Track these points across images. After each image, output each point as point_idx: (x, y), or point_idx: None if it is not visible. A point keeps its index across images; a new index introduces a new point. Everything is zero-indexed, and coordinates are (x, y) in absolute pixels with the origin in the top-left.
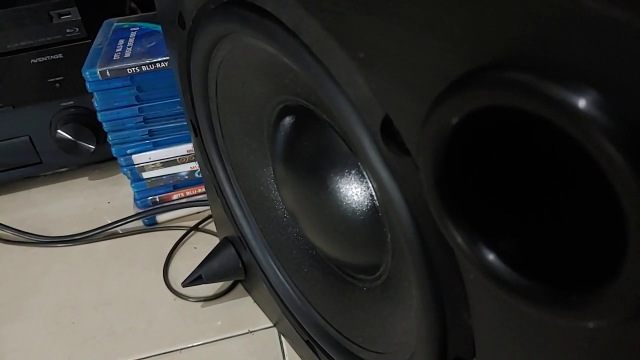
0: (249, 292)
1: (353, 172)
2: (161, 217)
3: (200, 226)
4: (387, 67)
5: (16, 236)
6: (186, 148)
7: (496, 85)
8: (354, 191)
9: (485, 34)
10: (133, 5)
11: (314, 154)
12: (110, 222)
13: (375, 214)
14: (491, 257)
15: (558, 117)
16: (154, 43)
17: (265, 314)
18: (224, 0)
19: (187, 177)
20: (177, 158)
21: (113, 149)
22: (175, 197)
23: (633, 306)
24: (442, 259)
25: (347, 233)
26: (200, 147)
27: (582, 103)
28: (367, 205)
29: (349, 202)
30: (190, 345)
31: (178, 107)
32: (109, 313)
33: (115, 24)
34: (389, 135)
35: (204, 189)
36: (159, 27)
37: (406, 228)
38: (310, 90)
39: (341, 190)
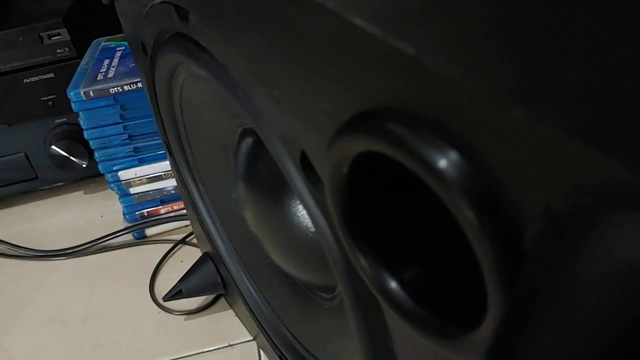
0: (231, 305)
1: None
2: (150, 231)
3: (187, 239)
4: (295, 107)
5: (12, 250)
6: None
7: (372, 133)
8: (303, 214)
9: (364, 84)
10: None
11: (270, 176)
12: (101, 236)
13: None
14: (393, 284)
15: (421, 172)
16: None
17: (246, 328)
18: (173, 32)
19: (173, 191)
20: (163, 173)
21: (100, 166)
22: (163, 211)
23: (487, 355)
24: (364, 286)
25: (301, 254)
26: (174, 166)
27: (442, 163)
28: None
29: (300, 224)
30: (172, 358)
31: None
32: (95, 326)
33: (102, 43)
34: (307, 168)
35: None
36: None
37: (333, 254)
38: None
39: (293, 213)
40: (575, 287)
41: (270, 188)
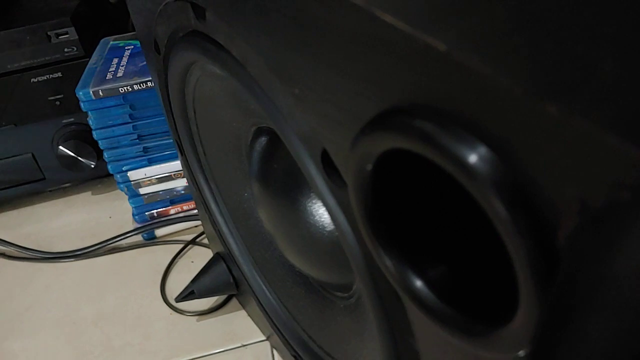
0: (243, 306)
1: None
2: (160, 232)
3: (197, 240)
4: (316, 104)
5: (20, 252)
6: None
7: (400, 131)
8: (321, 212)
9: (395, 79)
10: None
11: (285, 174)
12: (110, 237)
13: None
14: (418, 284)
15: (451, 168)
16: (146, 61)
17: (259, 328)
18: (188, 30)
19: (183, 191)
20: (172, 173)
21: (109, 166)
22: (172, 211)
23: (523, 346)
24: (386, 284)
25: (317, 253)
26: (186, 166)
27: (473, 158)
28: (331, 224)
29: (317, 223)
30: (185, 359)
31: None
32: (107, 328)
33: (111, 42)
34: (328, 167)
35: None
36: None
37: (354, 254)
38: None
39: (309, 211)
40: (613, 284)
41: (286, 187)
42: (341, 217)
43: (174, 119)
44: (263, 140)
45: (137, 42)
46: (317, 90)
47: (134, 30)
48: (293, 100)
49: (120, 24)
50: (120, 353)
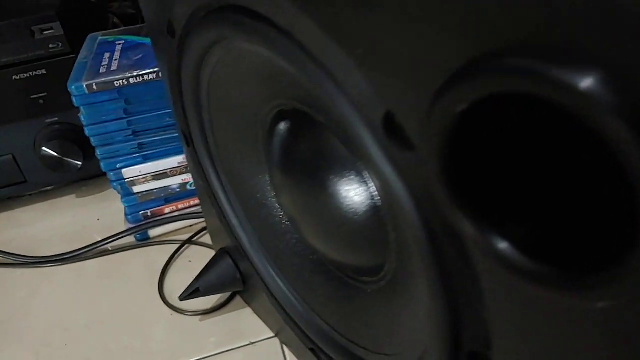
0: (248, 303)
1: (352, 173)
2: (153, 232)
3: (194, 239)
4: (386, 63)
5: (1, 258)
6: (177, 160)
7: (500, 72)
8: (354, 192)
9: (483, 24)
10: (116, 20)
11: (311, 157)
12: (100, 239)
13: (376, 214)
14: (503, 245)
15: (563, 98)
16: (140, 55)
17: (267, 325)
18: (214, 7)
19: (178, 189)
20: (168, 170)
21: (102, 164)
22: (167, 210)
23: None
24: (451, 252)
25: (348, 235)
26: (193, 158)
27: (586, 82)
28: (367, 205)
29: (349, 203)
30: None
31: (167, 119)
32: (103, 332)
33: (99, 38)
34: (391, 130)
35: (196, 202)
36: (145, 40)
37: (412, 223)
38: (307, 93)
39: (341, 193)
40: None
41: (313, 170)
42: (399, 186)
43: (183, 108)
44: (284, 124)
45: (128, 37)
46: (388, 46)
47: (114, 28)
48: (353, 63)
49: (102, 23)
50: (120, 357)
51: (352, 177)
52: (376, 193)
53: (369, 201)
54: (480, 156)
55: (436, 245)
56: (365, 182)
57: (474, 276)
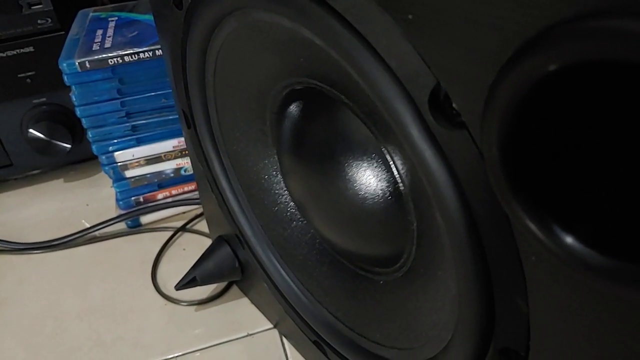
0: (246, 293)
1: (372, 157)
2: (146, 219)
3: (188, 226)
4: (442, 30)
5: None
6: (172, 144)
7: (597, 36)
8: (375, 177)
9: None
10: None
11: (326, 140)
12: (89, 225)
13: (398, 201)
14: (569, 240)
15: None
16: (135, 32)
17: (265, 315)
18: None
19: (172, 175)
20: (162, 155)
21: (93, 147)
22: (160, 196)
23: None
24: (494, 242)
25: (365, 222)
26: (194, 140)
27: None
28: (389, 191)
29: (368, 189)
30: (186, 352)
31: (163, 100)
32: (95, 322)
33: (91, 14)
34: (437, 107)
35: (190, 188)
36: (139, 17)
37: (451, 210)
38: (329, 68)
39: (359, 177)
40: None
41: (328, 152)
42: (439, 169)
43: (186, 86)
44: (296, 105)
45: (122, 14)
46: (448, 11)
47: (103, 4)
48: (400, 30)
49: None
50: (113, 348)
51: (372, 161)
52: (399, 178)
53: (391, 187)
54: (543, 141)
55: (475, 234)
56: (388, 166)
57: (518, 268)
